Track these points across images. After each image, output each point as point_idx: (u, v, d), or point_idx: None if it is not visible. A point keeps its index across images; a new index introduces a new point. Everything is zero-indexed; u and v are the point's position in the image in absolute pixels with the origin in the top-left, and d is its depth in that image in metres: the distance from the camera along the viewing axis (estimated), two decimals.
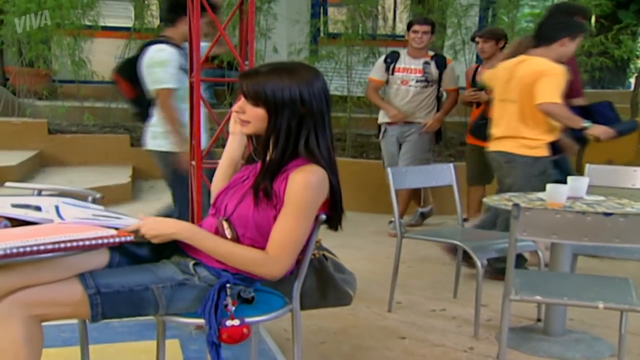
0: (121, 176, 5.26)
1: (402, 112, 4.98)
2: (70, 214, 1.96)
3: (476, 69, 5.08)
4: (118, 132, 6.18)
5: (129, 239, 1.74)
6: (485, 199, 3.05)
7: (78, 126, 6.07)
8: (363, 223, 5.26)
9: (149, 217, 1.90)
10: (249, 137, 2.05)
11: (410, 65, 4.97)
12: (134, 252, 1.99)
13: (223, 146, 2.22)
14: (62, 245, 1.61)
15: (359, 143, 6.81)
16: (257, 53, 7.52)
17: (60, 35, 5.73)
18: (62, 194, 2.29)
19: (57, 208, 1.98)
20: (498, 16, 7.07)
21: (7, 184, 2.38)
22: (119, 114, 6.52)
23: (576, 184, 3.02)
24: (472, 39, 5.16)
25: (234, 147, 2.19)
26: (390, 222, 5.11)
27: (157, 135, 3.45)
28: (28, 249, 1.56)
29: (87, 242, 1.65)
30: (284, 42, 7.08)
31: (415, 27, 4.89)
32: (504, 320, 2.54)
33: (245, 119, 1.93)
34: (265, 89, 1.86)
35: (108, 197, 4.83)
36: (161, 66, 3.31)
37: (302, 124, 1.89)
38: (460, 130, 7.67)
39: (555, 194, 2.82)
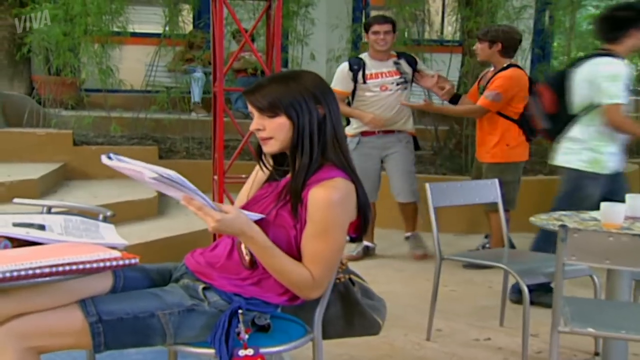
0: (148, 190, 5.27)
1: (382, 119, 4.64)
2: (75, 233, 1.95)
3: (486, 73, 4.81)
4: (146, 143, 6.23)
5: (132, 261, 1.71)
6: (532, 219, 2.94)
7: (104, 137, 6.14)
8: (403, 241, 5.18)
9: (230, 210, 1.78)
10: (259, 160, 2.04)
11: (382, 69, 4.66)
12: (140, 275, 1.96)
13: (250, 159, 2.19)
14: (60, 268, 1.59)
15: None
16: (293, 60, 7.56)
17: (88, 42, 5.82)
18: (71, 211, 2.29)
19: (62, 227, 1.97)
20: (556, 18, 6.92)
21: (15, 200, 2.40)
22: (147, 124, 6.58)
23: (635, 203, 2.89)
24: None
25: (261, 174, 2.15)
26: (406, 238, 4.98)
27: (570, 152, 3.67)
28: (22, 272, 1.54)
29: (87, 265, 1.63)
30: (323, 49, 7.08)
31: (375, 28, 4.58)
32: (552, 354, 2.43)
33: (267, 135, 1.90)
34: (278, 95, 1.86)
35: (133, 213, 4.91)
36: (612, 80, 3.45)
37: (322, 126, 1.89)
38: None
39: (611, 213, 2.70)
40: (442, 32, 9.46)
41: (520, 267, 3.11)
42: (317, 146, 1.87)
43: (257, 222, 1.90)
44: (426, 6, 9.89)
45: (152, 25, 7.32)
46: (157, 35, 6.73)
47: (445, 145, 6.64)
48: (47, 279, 1.58)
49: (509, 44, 4.48)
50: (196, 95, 7.41)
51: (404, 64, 4.68)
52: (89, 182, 5.37)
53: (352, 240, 2.00)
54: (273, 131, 1.88)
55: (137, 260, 1.72)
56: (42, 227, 1.91)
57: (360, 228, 1.96)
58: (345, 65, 4.69)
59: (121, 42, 6.23)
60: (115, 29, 6.16)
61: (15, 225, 1.89)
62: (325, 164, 1.90)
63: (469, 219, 5.48)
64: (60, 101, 6.41)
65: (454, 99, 4.77)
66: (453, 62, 7.08)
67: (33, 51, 6.34)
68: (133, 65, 6.79)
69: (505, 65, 4.50)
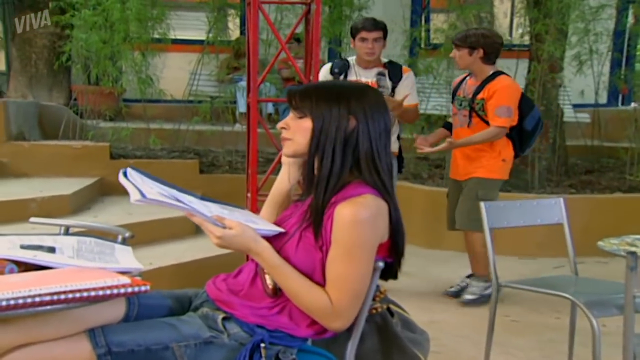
0: None
1: None
2: (87, 256, 1.93)
3: (461, 81, 4.55)
4: (187, 157, 6.27)
5: (143, 288, 1.67)
6: (600, 243, 2.80)
7: (143, 150, 6.21)
8: (463, 264, 5.04)
9: (233, 226, 1.77)
10: (302, 169, 2.01)
11: (361, 78, 4.34)
12: (156, 302, 1.93)
13: None
14: (62, 296, 1.56)
15: None
16: None
17: (127, 50, 5.90)
18: (89, 232, 2.29)
19: (74, 249, 1.96)
20: None
21: (32, 219, 2.40)
22: (188, 136, 6.64)
23: None
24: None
25: (284, 178, 2.13)
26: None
27: None
28: (20, 301, 1.51)
29: (92, 293, 1.60)
30: None
31: (363, 34, 4.27)
32: None
33: (288, 135, 1.90)
34: (314, 97, 1.86)
35: (168, 231, 4.93)
36: None
37: (351, 139, 1.84)
38: (586, 154, 7.31)
39: None
40: (510, 35, 9.30)
41: (589, 298, 2.96)
42: (338, 158, 1.83)
43: (282, 245, 1.86)
44: (494, 8, 9.79)
45: (196, 31, 7.40)
46: (200, 42, 6.79)
47: None
48: (49, 307, 1.55)
49: (490, 50, 4.24)
50: (242, 105, 7.45)
51: (386, 77, 4.38)
52: (126, 198, 5.36)
53: (388, 267, 1.92)
54: (294, 132, 1.88)
55: (148, 287, 1.68)
56: (52, 250, 1.90)
57: (392, 250, 1.88)
58: (327, 67, 4.42)
59: (162, 49, 6.30)
60: (156, 36, 6.24)
61: (23, 247, 1.88)
62: (354, 181, 1.85)
63: (537, 241, 5.31)
64: (99, 112, 6.52)
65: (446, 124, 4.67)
66: (519, 68, 6.93)
67: (72, 60, 6.47)
68: (174, 74, 6.86)
69: (490, 73, 4.28)
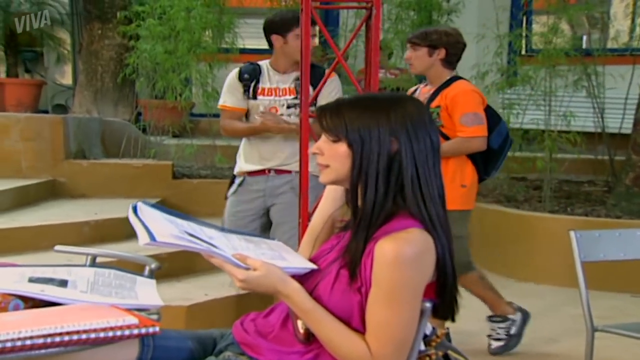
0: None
1: (278, 156, 3.91)
2: (103, 290, 1.89)
3: (414, 91, 4.13)
4: None
5: (151, 330, 1.60)
6: None
7: (209, 169, 6.23)
8: (563, 301, 4.82)
9: (257, 266, 1.70)
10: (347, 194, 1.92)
11: (277, 84, 3.93)
12: (174, 344, 1.86)
13: None
14: (57, 339, 1.51)
15: (565, 193, 6.34)
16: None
17: (192, 61, 5.96)
18: (116, 262, 2.26)
19: (89, 282, 1.92)
20: None
21: (57, 247, 2.39)
22: None
23: None
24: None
25: (326, 205, 2.05)
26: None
27: None
28: (8, 344, 1.47)
29: (92, 335, 1.54)
30: (467, 64, 6.83)
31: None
32: None
33: (324, 161, 1.81)
34: (349, 118, 1.76)
35: None
36: None
37: (394, 166, 1.74)
38: None
39: None
40: (631, 39, 8.89)
41: None
42: (382, 187, 1.73)
43: (315, 285, 1.77)
44: (611, 8, 9.40)
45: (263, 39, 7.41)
46: (271, 51, 6.77)
47: (620, 181, 6.16)
48: (42, 351, 1.51)
49: (454, 51, 3.85)
50: None
51: None
52: None
53: (436, 308, 1.79)
54: (330, 158, 1.79)
55: (157, 329, 1.61)
56: (63, 283, 1.86)
57: (438, 291, 1.76)
58: (234, 74, 3.99)
59: (229, 60, 6.33)
60: (224, 45, 6.28)
61: (32, 280, 1.85)
62: (400, 213, 1.74)
63: None
64: (163, 128, 6.60)
65: None
66: (635, 77, 6.61)
67: (136, 72, 6.59)
68: None
69: (447, 78, 3.88)
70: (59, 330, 1.52)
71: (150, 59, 6.19)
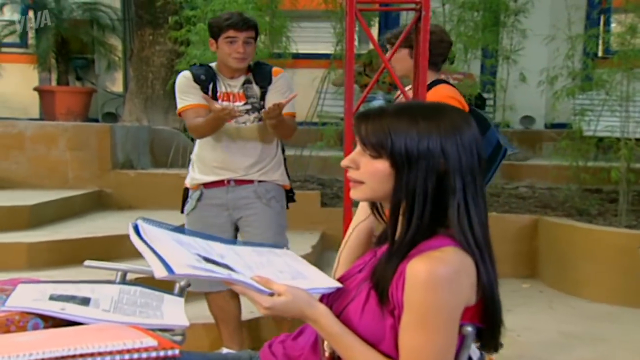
0: (304, 245, 5.23)
1: (236, 166, 3.70)
2: (126, 309, 1.87)
3: (398, 97, 3.87)
4: (308, 187, 6.23)
5: (170, 353, 1.56)
6: None
7: None
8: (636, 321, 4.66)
9: (283, 292, 1.65)
10: (373, 208, 1.85)
11: (232, 89, 3.70)
12: None
13: None
14: None
15: None
16: (497, 83, 7.26)
17: None
18: (141, 278, 2.24)
19: (112, 301, 1.90)
20: None
21: (86, 262, 2.39)
22: (312, 163, 6.60)
23: None
24: (383, 45, 3.76)
25: (362, 218, 1.99)
26: None
27: None
28: None
29: (107, 358, 1.49)
30: (536, 67, 6.71)
31: (231, 33, 3.58)
32: None
33: (358, 177, 1.72)
34: (391, 131, 1.66)
35: None
36: None
37: (442, 186, 1.65)
38: None
39: None
40: None
41: None
42: (429, 211, 1.65)
43: (345, 306, 1.71)
44: None
45: (320, 44, 7.42)
46: (326, 56, 6.78)
47: None
48: None
49: (438, 51, 3.59)
50: None
51: (253, 82, 3.72)
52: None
53: (481, 336, 1.71)
54: (367, 175, 1.70)
55: (177, 352, 1.56)
56: (85, 301, 1.84)
57: (484, 316, 1.68)
58: (188, 75, 3.69)
59: (282, 65, 6.31)
60: (276, 50, 6.28)
61: (53, 298, 1.84)
62: (439, 233, 1.66)
63: None
64: None
65: None
66: None
67: None
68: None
69: (430, 81, 3.63)
70: (71, 353, 1.48)
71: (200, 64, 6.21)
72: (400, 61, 3.56)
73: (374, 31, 8.45)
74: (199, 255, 1.70)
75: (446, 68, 7.09)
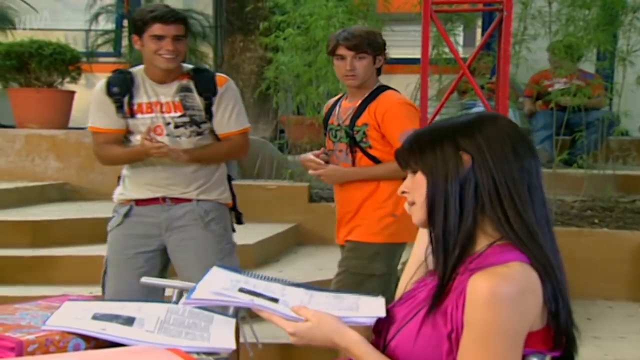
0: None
1: (171, 183, 3.45)
2: (171, 330, 1.85)
3: (334, 103, 3.75)
4: None
5: None
6: None
7: None
8: None
9: (309, 317, 1.67)
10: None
11: (158, 98, 3.37)
12: None
13: None
14: None
15: None
16: (612, 87, 6.98)
17: (331, 73, 5.94)
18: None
19: (158, 320, 1.89)
20: None
21: (143, 279, 2.40)
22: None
23: None
24: (331, 52, 3.56)
25: (420, 246, 1.98)
26: None
27: None
28: None
29: None
30: None
31: (156, 29, 3.25)
32: None
33: (410, 198, 1.77)
34: (412, 145, 1.75)
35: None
36: None
37: (468, 181, 1.67)
38: None
39: None
40: None
41: None
42: (453, 213, 1.64)
43: (396, 332, 1.66)
44: None
45: (414, 48, 7.30)
46: (419, 61, 6.65)
47: None
48: None
49: (385, 57, 3.59)
50: None
51: (194, 91, 3.40)
52: (324, 249, 5.40)
53: None
54: (413, 192, 1.75)
55: None
56: (129, 321, 1.84)
57: (554, 343, 1.61)
58: (101, 87, 3.39)
59: None
60: None
61: (96, 317, 1.84)
62: (497, 243, 1.63)
63: None
64: (301, 146, 6.64)
65: None
66: None
67: (276, 87, 6.67)
68: None
69: (373, 88, 3.54)
70: None
71: (288, 71, 6.25)
72: (366, 68, 3.47)
73: (478, 33, 8.30)
74: (240, 288, 1.71)
75: (568, 69, 6.82)
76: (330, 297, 1.87)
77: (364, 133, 3.47)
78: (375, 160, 3.46)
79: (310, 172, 3.63)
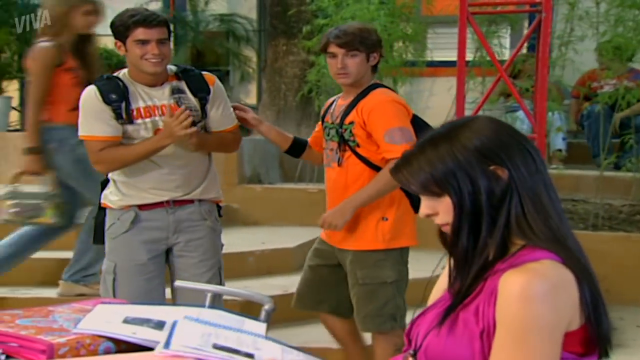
0: (431, 264, 5.14)
1: (175, 185, 3.42)
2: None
3: (331, 103, 3.67)
4: None
5: None
6: None
7: None
8: None
9: None
10: None
11: (153, 101, 3.35)
12: None
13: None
14: None
15: None
16: None
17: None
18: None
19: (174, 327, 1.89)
20: None
21: (176, 283, 2.41)
22: None
23: None
24: (323, 50, 3.53)
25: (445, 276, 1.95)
26: None
27: None
28: None
29: None
30: None
31: (139, 33, 3.22)
32: None
33: (442, 221, 1.71)
34: (429, 166, 1.68)
35: (415, 295, 4.76)
36: None
37: (509, 195, 1.65)
38: None
39: None
40: None
41: None
42: (484, 231, 1.63)
43: (427, 334, 1.67)
44: None
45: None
46: (466, 63, 6.61)
47: None
48: None
49: (381, 53, 3.50)
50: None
51: (187, 92, 3.39)
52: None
53: None
54: (445, 216, 1.68)
55: None
56: (160, 325, 1.84)
57: (592, 344, 1.58)
58: (93, 94, 3.32)
59: (415, 74, 6.25)
60: (409, 58, 6.21)
61: (127, 321, 1.85)
62: (527, 246, 1.61)
63: None
64: None
65: (296, 150, 3.72)
66: None
67: (318, 90, 6.68)
68: (429, 103, 6.77)
69: (367, 86, 3.44)
70: None
71: (330, 75, 6.23)
72: (359, 66, 3.38)
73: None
74: (213, 344, 1.71)
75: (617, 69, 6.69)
76: (300, 355, 1.84)
77: (351, 132, 3.40)
78: (363, 160, 3.39)
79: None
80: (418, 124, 3.45)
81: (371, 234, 3.38)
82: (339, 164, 3.45)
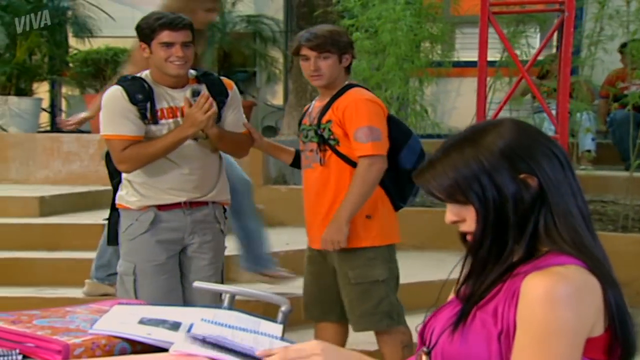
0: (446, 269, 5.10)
1: (193, 186, 3.46)
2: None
3: (307, 109, 3.66)
4: None
5: None
6: None
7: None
8: None
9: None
10: None
11: (176, 102, 3.41)
12: None
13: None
14: None
15: None
16: None
17: (398, 77, 5.92)
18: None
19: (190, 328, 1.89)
20: None
21: (195, 284, 2.42)
22: None
23: None
24: (295, 53, 3.53)
25: None
26: None
27: None
28: None
29: None
30: None
31: (164, 36, 3.29)
32: None
33: (468, 228, 1.67)
34: (453, 172, 1.63)
35: (423, 299, 4.73)
36: None
37: (539, 204, 1.61)
38: None
39: None
40: None
41: None
42: (511, 240, 1.60)
43: (442, 334, 1.65)
44: None
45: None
46: (492, 63, 6.57)
47: None
48: None
49: (353, 55, 3.52)
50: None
51: (206, 92, 3.42)
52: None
53: None
54: (472, 222, 1.64)
55: None
56: (175, 326, 1.85)
57: (615, 351, 1.55)
58: (119, 94, 3.36)
59: (441, 74, 6.22)
60: (435, 59, 6.19)
61: (143, 322, 1.86)
62: (551, 252, 1.58)
63: None
64: None
65: (300, 162, 3.66)
66: None
67: None
68: (456, 103, 6.73)
69: (342, 86, 3.45)
70: None
71: (356, 75, 6.23)
72: (332, 68, 3.40)
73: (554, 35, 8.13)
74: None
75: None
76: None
77: (330, 130, 3.42)
78: (344, 158, 3.41)
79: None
80: (395, 123, 3.53)
81: (357, 232, 3.39)
82: (322, 164, 3.47)
